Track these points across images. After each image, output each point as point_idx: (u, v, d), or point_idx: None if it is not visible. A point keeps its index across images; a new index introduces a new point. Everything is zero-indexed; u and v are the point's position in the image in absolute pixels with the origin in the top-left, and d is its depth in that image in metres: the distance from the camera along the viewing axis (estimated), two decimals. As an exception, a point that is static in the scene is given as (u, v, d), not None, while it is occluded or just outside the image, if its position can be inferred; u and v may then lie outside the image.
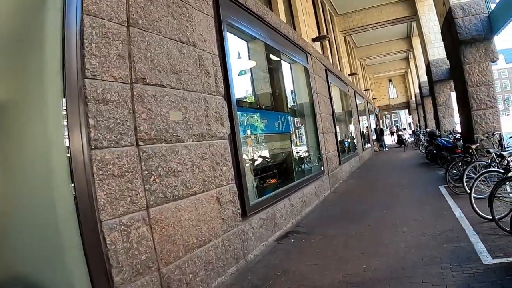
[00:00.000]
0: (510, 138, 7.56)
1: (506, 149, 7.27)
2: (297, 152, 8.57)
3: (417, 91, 27.42)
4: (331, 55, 15.47)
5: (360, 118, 20.48)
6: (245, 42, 6.83)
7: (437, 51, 15.81)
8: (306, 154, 9.18)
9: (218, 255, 4.05)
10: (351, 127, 16.54)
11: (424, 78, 21.88)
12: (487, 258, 3.79)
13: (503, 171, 5.15)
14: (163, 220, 3.29)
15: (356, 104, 18.68)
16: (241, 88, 6.85)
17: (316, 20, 13.86)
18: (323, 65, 11.56)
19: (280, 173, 7.31)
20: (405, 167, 14.00)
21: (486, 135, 8.13)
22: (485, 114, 8.42)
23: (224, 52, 5.10)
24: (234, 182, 4.78)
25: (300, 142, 9.20)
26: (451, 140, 11.44)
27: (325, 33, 15.47)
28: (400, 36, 24.76)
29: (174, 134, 3.64)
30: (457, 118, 12.56)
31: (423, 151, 17.47)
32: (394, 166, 14.85)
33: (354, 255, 4.55)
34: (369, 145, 23.47)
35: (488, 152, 6.61)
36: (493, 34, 8.26)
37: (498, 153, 6.18)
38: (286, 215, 6.38)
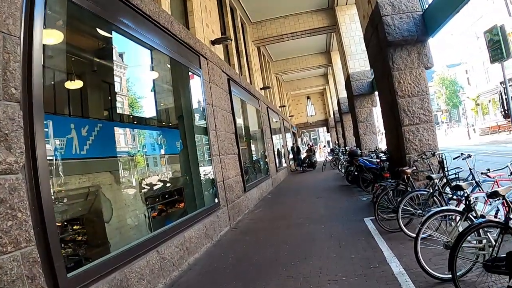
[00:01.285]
0: (454, 159, 6.35)
1: (449, 174, 6.30)
2: (171, 183, 6.71)
3: (336, 108, 27.41)
4: (240, 66, 14.08)
5: (274, 136, 19.38)
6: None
7: (358, 63, 15.25)
8: (192, 183, 7.25)
9: None
10: (263, 146, 15.18)
11: (343, 94, 21.59)
12: None
13: (460, 210, 3.92)
14: None
15: (269, 121, 17.48)
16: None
17: (223, 25, 12.39)
18: (226, 73, 10.02)
19: (145, 215, 5.44)
20: (323, 190, 12.92)
21: (423, 155, 6.98)
22: (418, 130, 7.25)
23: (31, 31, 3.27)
24: (34, 244, 2.92)
25: (177, 169, 7.18)
26: (375, 160, 10.59)
27: (236, 44, 14.11)
28: (319, 50, 24.50)
29: None
30: (381, 135, 11.70)
31: (343, 171, 16.78)
32: (311, 190, 13.72)
33: None
34: (284, 165, 22.55)
35: (430, 178, 5.49)
36: (428, 35, 7.18)
37: (453, 183, 5.33)
38: (151, 275, 4.53)
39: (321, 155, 34.48)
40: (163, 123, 6.99)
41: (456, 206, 5.38)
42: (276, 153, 18.82)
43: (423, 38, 7.16)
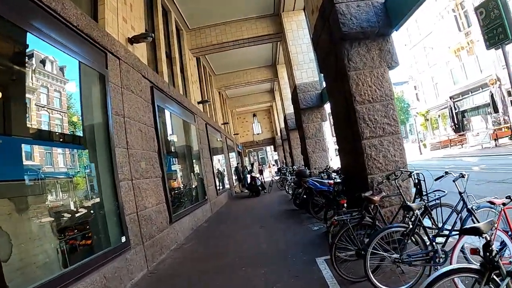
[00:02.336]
0: (437, 179, 5.05)
1: (429, 200, 5.14)
2: (60, 217, 4.78)
3: (283, 125, 26.40)
4: (172, 75, 12.55)
5: (216, 156, 17.88)
6: None
7: (306, 73, 14.29)
8: (88, 218, 5.37)
9: None
10: (200, 167, 13.61)
11: (290, 109, 20.79)
12: None
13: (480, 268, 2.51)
14: None
15: (208, 139, 15.96)
16: None
17: (151, 26, 10.86)
18: (148, 79, 8.45)
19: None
20: (268, 216, 11.52)
21: (393, 175, 5.76)
22: (382, 144, 6.01)
23: None
24: None
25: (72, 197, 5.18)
26: (326, 182, 9.39)
27: (168, 50, 12.61)
28: (265, 64, 23.46)
29: None
30: (332, 152, 10.47)
31: (290, 192, 15.55)
32: (254, 215, 12.29)
33: None
34: (227, 187, 21.10)
35: (408, 208, 4.24)
36: (392, 28, 5.97)
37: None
38: None
39: (271, 175, 33.53)
40: (56, 137, 5.21)
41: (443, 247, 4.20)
42: (216, 174, 17.28)
43: (386, 30, 5.98)
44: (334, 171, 11.26)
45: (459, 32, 31.80)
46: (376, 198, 4.95)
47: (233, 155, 27.98)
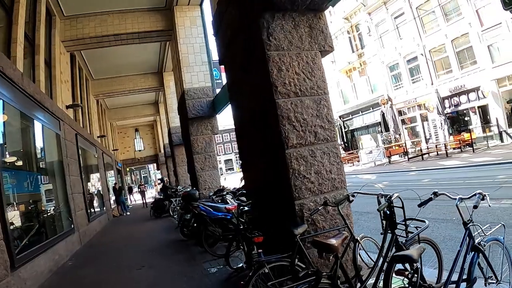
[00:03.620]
0: (421, 205, 3.52)
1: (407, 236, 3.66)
2: None
3: (167, 141, 24.09)
4: (33, 64, 9.67)
5: (86, 174, 14.91)
6: None
7: (197, 77, 12.46)
8: None
9: None
10: (64, 189, 10.69)
11: (175, 122, 18.83)
12: None
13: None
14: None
15: (79, 153, 13.10)
16: None
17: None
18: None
19: None
20: (150, 250, 9.27)
21: (346, 200, 4.27)
22: (315, 155, 4.44)
23: None
24: None
25: None
26: (223, 206, 7.84)
27: (31, 34, 9.83)
28: (150, 70, 20.94)
29: None
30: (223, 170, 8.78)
31: (176, 216, 13.57)
32: (134, 248, 10.00)
33: None
34: (104, 210, 18.23)
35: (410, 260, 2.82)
36: (328, 2, 4.51)
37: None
38: None
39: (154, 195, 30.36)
40: None
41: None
42: (89, 196, 14.31)
43: (320, 3, 4.56)
44: (231, 192, 9.64)
45: (352, 53, 33.46)
46: (336, 242, 3.38)
47: (111, 173, 24.83)
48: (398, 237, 3.54)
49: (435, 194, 3.52)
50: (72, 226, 10.62)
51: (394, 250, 3.45)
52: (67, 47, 13.25)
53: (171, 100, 20.42)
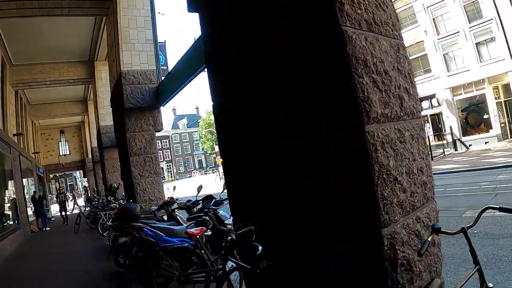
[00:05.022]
0: None
1: None
2: None
3: (95, 143, 20.91)
4: None
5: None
6: None
7: (138, 57, 9.88)
8: None
9: None
10: None
11: (106, 120, 16.22)
12: None
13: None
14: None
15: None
16: None
17: None
18: None
19: None
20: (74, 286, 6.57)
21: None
22: (404, 137, 2.36)
23: None
24: None
25: None
26: (179, 228, 5.46)
27: None
28: (79, 58, 17.56)
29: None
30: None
31: (106, 234, 10.65)
32: (49, 282, 7.23)
33: None
34: (20, 225, 14.96)
35: None
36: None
37: None
38: None
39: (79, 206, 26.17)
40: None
41: None
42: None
43: None
44: (184, 208, 7.04)
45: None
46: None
47: (31, 180, 21.28)
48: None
49: None
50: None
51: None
52: None
53: (102, 94, 17.60)
